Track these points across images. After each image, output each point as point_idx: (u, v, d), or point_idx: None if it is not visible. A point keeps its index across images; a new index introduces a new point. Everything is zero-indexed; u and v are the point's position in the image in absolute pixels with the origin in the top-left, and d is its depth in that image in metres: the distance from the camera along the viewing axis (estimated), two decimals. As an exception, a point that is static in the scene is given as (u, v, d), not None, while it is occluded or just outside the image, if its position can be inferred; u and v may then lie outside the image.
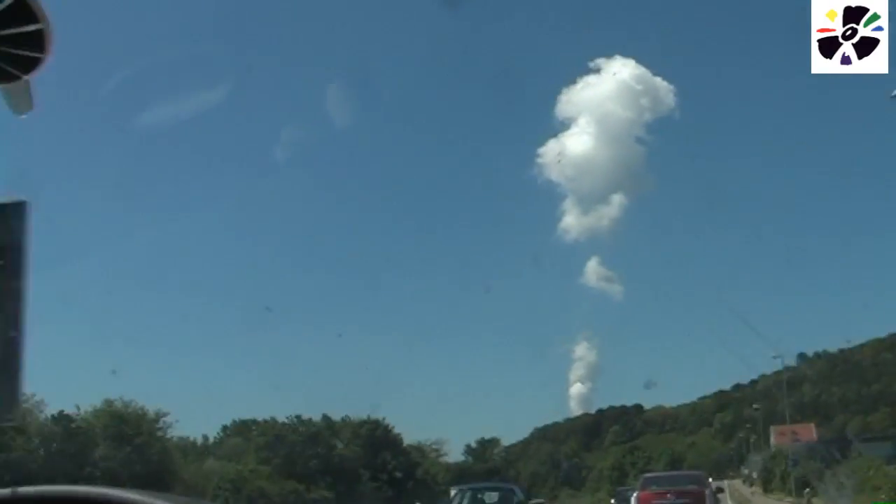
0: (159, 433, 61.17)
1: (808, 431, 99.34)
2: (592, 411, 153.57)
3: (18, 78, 6.02)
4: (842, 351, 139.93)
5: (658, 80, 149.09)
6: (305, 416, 78.13)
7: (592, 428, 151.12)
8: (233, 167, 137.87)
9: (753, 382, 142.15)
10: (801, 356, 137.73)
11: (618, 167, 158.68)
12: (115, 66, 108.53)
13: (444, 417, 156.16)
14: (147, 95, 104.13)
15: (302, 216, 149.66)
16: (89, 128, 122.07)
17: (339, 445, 79.91)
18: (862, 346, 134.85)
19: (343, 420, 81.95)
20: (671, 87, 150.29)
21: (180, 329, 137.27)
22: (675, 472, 41.53)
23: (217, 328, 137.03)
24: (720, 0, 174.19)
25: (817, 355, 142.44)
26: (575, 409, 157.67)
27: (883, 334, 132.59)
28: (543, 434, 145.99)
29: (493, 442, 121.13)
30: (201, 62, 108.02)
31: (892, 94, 23.87)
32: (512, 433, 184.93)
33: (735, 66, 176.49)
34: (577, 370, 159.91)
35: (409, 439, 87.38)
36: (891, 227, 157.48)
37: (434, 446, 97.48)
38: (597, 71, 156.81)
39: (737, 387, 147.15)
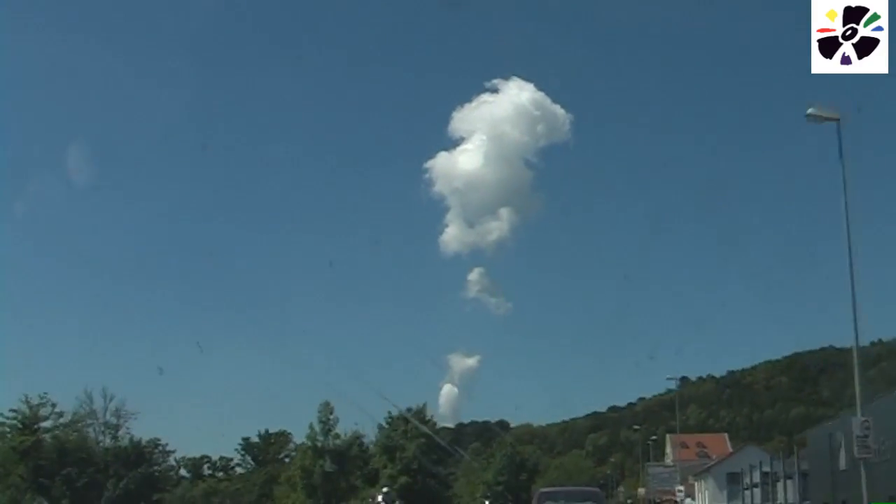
0: None
1: (719, 443, 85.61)
2: (453, 425, 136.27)
3: None
4: (731, 373, 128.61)
5: (557, 108, 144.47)
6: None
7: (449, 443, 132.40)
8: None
9: (631, 405, 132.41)
10: (684, 379, 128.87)
11: (505, 186, 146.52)
12: None
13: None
14: None
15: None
16: None
17: None
18: (754, 368, 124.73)
19: None
20: (569, 116, 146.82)
21: None
22: (572, 488, 37.69)
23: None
24: (623, 37, 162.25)
25: (702, 379, 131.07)
26: (439, 422, 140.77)
27: (777, 356, 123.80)
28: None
29: (282, 436, 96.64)
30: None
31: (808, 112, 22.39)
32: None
33: (634, 103, 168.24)
34: (448, 382, 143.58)
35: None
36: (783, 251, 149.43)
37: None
38: (494, 91, 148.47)
39: (613, 408, 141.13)
